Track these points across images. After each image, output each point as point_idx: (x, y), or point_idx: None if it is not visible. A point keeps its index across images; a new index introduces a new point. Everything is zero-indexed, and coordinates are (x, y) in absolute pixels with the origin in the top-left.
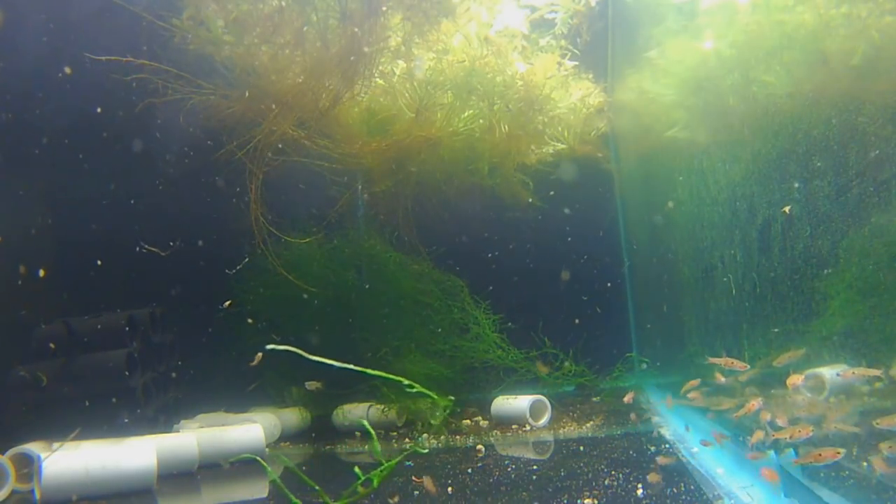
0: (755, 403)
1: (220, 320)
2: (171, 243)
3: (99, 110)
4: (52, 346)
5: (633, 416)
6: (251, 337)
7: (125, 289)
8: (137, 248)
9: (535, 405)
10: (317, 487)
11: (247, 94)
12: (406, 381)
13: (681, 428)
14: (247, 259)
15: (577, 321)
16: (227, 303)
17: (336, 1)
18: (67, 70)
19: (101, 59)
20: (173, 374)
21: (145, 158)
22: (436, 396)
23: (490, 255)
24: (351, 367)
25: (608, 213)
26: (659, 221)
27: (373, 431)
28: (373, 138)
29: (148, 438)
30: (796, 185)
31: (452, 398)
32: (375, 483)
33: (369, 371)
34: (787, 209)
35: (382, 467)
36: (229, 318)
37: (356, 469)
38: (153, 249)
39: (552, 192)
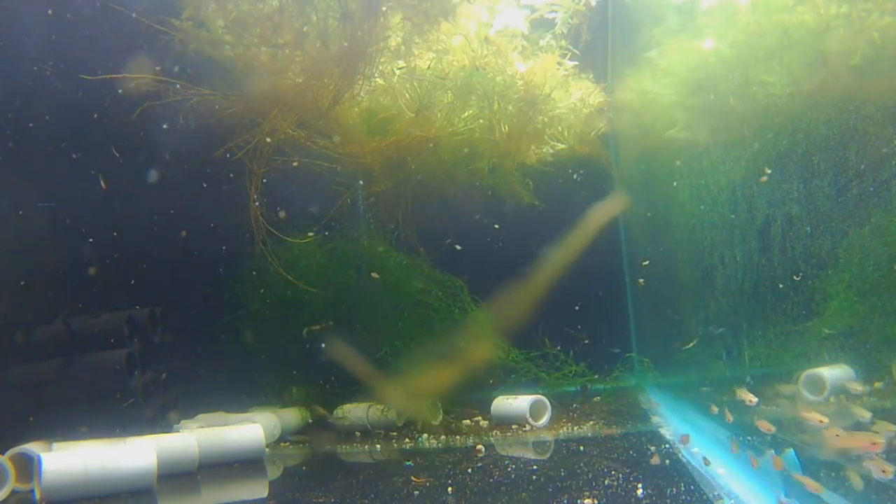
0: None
1: (219, 320)
2: None
3: (98, 111)
4: (52, 346)
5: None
6: (251, 337)
7: (125, 289)
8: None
9: (535, 405)
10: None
11: (246, 94)
12: None
13: (681, 428)
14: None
15: (577, 321)
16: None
17: (336, 1)
18: (68, 70)
19: (101, 58)
20: (168, 375)
21: (145, 158)
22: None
23: (490, 255)
24: None
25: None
26: (658, 224)
27: None
28: (373, 138)
29: (148, 438)
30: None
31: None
32: None
33: None
34: None
35: None
36: (229, 318)
37: None
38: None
39: (551, 193)
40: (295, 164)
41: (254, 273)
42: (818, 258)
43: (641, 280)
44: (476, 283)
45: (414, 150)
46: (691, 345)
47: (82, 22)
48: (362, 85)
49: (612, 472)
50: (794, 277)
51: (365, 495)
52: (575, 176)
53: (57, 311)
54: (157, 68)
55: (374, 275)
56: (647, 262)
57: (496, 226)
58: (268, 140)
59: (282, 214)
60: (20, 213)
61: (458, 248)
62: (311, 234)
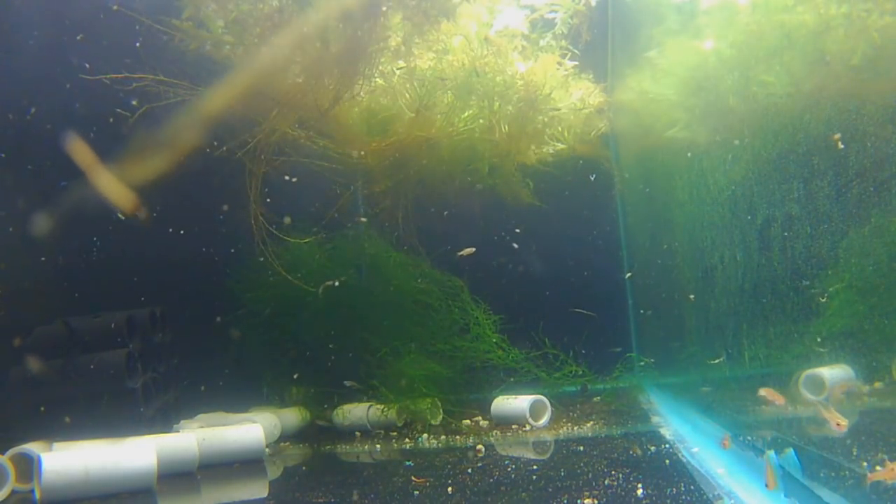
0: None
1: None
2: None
3: (98, 111)
4: (52, 346)
5: None
6: (250, 337)
7: (125, 289)
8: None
9: (535, 405)
10: None
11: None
12: None
13: (681, 428)
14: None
15: (577, 321)
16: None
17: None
18: (67, 70)
19: (101, 60)
20: (168, 375)
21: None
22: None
23: (490, 255)
24: None
25: (608, 213)
26: (658, 223)
27: None
28: (373, 138)
29: (148, 438)
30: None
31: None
32: None
33: None
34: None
35: None
36: (229, 318)
37: None
38: None
39: (551, 193)
40: (294, 180)
41: (253, 272)
42: (818, 258)
43: (630, 274)
44: (476, 283)
45: (414, 150)
46: (718, 360)
47: (82, 22)
48: (362, 85)
49: (612, 472)
50: (821, 298)
51: (365, 495)
52: (590, 177)
53: (57, 312)
54: (157, 70)
55: (469, 250)
56: (629, 275)
57: (517, 230)
58: (268, 140)
59: (282, 214)
60: (20, 213)
61: (515, 245)
62: (311, 234)
